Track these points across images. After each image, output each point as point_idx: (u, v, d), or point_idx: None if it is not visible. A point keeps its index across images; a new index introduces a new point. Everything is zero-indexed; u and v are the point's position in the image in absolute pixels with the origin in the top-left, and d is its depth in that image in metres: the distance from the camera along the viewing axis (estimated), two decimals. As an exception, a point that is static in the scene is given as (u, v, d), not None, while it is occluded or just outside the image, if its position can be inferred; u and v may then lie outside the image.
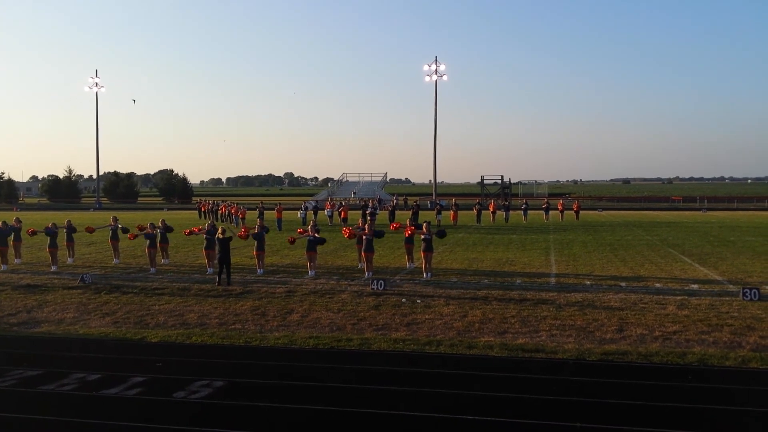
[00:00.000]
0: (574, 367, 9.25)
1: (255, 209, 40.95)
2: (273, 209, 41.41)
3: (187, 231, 21.16)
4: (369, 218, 33.40)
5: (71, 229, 21.78)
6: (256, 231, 18.97)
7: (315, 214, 41.81)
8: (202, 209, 48.50)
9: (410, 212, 37.33)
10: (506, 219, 41.28)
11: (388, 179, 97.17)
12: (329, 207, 42.53)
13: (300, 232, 20.16)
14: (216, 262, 17.36)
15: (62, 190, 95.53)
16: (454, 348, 10.22)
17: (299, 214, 42.11)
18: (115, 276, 18.48)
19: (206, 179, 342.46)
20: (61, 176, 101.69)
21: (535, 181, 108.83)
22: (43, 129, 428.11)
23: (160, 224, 20.56)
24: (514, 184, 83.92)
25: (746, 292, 14.14)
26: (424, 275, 17.55)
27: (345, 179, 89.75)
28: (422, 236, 17.82)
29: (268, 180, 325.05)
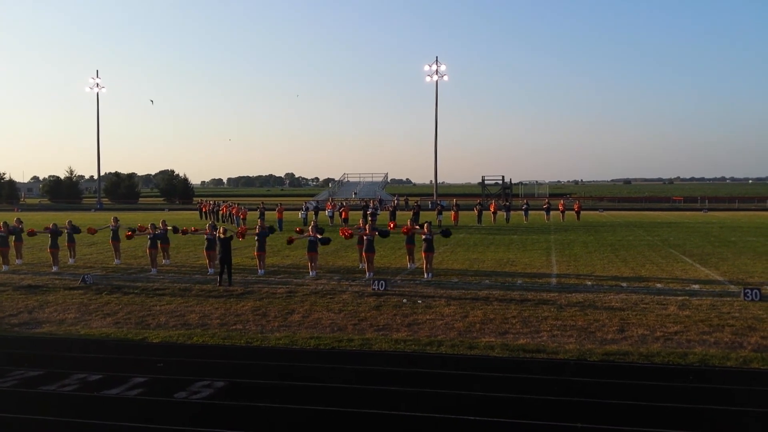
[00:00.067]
0: (575, 367, 9.25)
1: (256, 210, 40.98)
2: (274, 210, 41.42)
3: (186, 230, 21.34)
4: (370, 218, 33.41)
5: (74, 230, 21.83)
6: (256, 231, 18.95)
7: (316, 214, 41.82)
8: (203, 210, 48.52)
9: (411, 213, 37.35)
10: (507, 219, 41.26)
11: (388, 180, 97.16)
12: (330, 207, 42.53)
13: (297, 231, 20.18)
14: (217, 262, 17.37)
15: (63, 191, 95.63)
16: (455, 348, 10.22)
17: (300, 214, 42.15)
18: (117, 276, 18.49)
19: (207, 180, 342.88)
20: (62, 177, 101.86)
21: (536, 182, 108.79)
22: (44, 129, 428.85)
23: (160, 225, 20.56)
24: (515, 184, 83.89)
25: (747, 292, 14.13)
26: (425, 276, 17.55)
27: (346, 180, 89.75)
28: (423, 237, 17.81)
29: (269, 180, 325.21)
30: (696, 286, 16.02)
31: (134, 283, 17.25)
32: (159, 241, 20.14)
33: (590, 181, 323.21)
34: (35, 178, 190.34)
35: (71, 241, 21.71)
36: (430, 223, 18.52)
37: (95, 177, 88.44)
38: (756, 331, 11.22)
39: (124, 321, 12.57)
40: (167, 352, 10.34)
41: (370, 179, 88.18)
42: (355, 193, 77.47)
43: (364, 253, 18.47)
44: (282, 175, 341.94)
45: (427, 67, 69.93)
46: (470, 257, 22.31)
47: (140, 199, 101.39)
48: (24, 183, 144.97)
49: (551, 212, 43.52)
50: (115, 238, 21.69)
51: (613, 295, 14.83)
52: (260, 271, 18.52)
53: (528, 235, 31.33)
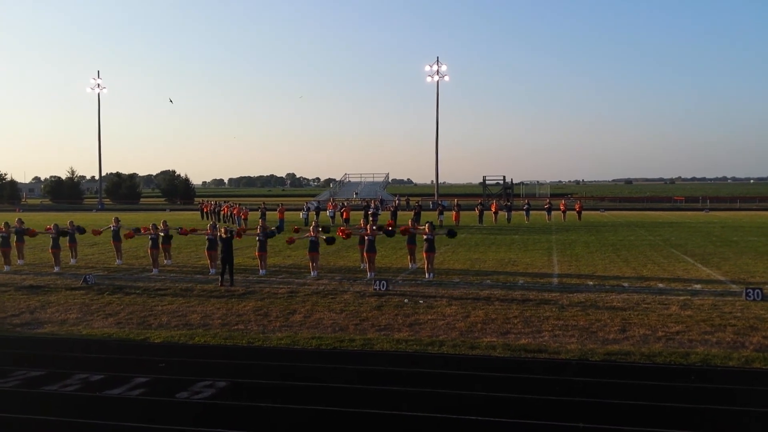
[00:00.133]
0: (576, 367, 9.24)
1: (257, 210, 40.99)
2: (275, 210, 41.45)
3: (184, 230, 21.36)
4: (371, 219, 33.41)
5: (79, 230, 21.92)
6: (257, 232, 18.95)
7: (317, 214, 41.83)
8: (205, 210, 48.55)
9: (412, 213, 37.34)
10: (508, 219, 41.24)
11: (390, 180, 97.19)
12: (331, 207, 42.55)
13: (295, 230, 20.19)
14: (218, 262, 17.39)
15: (65, 191, 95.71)
16: (456, 348, 10.21)
17: (301, 214, 42.19)
18: (118, 277, 18.51)
19: (208, 180, 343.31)
20: (63, 177, 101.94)
21: (537, 182, 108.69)
22: (46, 130, 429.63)
23: (161, 225, 20.58)
24: (516, 184, 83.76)
25: (749, 292, 14.11)
26: (427, 276, 17.55)
27: (347, 180, 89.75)
28: (424, 237, 17.81)
29: (270, 180, 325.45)
30: (698, 286, 16.01)
31: (136, 283, 17.26)
32: (160, 242, 20.15)
33: (591, 181, 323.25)
34: (36, 179, 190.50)
35: (73, 242, 21.74)
36: (431, 223, 18.52)
37: (96, 177, 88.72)
38: (758, 330, 11.20)
39: (125, 321, 12.58)
40: (169, 352, 10.34)
41: (371, 179, 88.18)
42: (357, 193, 77.48)
43: (365, 254, 18.48)
44: (283, 175, 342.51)
45: (428, 68, 69.97)
46: (472, 257, 22.31)
47: (141, 199, 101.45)
48: (25, 183, 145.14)
49: (552, 212, 43.49)
50: (117, 239, 21.72)
51: (615, 295, 14.82)
52: (262, 272, 18.53)
53: (529, 235, 31.31)
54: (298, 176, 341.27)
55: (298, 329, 11.69)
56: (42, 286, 16.92)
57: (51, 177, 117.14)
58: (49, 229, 20.74)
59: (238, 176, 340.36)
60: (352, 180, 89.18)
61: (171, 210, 69.80)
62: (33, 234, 21.76)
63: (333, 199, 52.11)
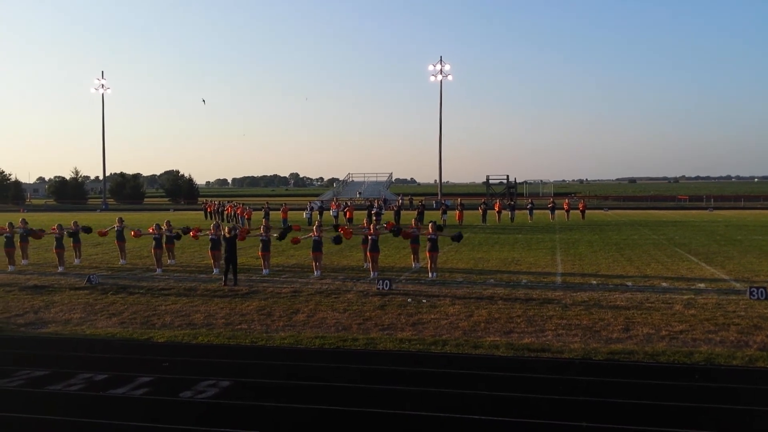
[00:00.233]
0: (580, 366, 9.23)
1: (261, 210, 41.03)
2: (279, 209, 41.48)
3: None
4: (374, 218, 33.41)
5: (85, 230, 22.05)
6: (261, 232, 18.96)
7: (320, 214, 41.84)
8: (208, 210, 48.63)
9: (415, 212, 37.33)
10: (512, 219, 41.19)
11: (393, 179, 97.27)
12: (334, 207, 42.53)
13: (296, 229, 20.29)
14: (222, 262, 17.42)
15: (69, 191, 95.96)
16: (459, 348, 10.21)
17: (305, 214, 42.20)
18: (122, 276, 18.55)
19: (212, 180, 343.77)
20: (67, 177, 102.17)
21: (541, 181, 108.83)
22: (50, 130, 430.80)
23: (165, 226, 20.62)
24: (519, 183, 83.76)
25: (753, 291, 14.07)
26: (430, 275, 17.54)
27: (350, 179, 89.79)
28: (428, 236, 17.81)
29: (274, 180, 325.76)
30: (701, 285, 15.97)
31: (139, 283, 17.30)
32: (164, 242, 20.19)
33: (595, 180, 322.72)
34: (41, 179, 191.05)
35: (77, 242, 21.81)
36: (434, 223, 18.52)
37: (101, 177, 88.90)
38: (762, 329, 11.17)
39: (129, 321, 12.61)
40: (172, 351, 10.37)
41: (374, 179, 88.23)
42: (360, 193, 77.51)
43: (368, 253, 18.49)
44: (287, 175, 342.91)
45: (431, 67, 69.89)
46: (475, 256, 22.29)
47: (145, 199, 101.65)
48: (30, 184, 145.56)
49: (556, 211, 43.44)
50: (121, 239, 21.77)
51: (618, 294, 14.80)
52: (265, 271, 18.55)
53: (533, 235, 31.28)
54: (301, 176, 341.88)
55: (301, 329, 11.70)
56: (46, 286, 16.97)
57: (55, 177, 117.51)
58: (54, 230, 20.80)
59: (242, 176, 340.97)
60: (355, 180, 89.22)
61: (175, 210, 69.89)
62: (40, 236, 21.83)
63: (336, 199, 52.12)
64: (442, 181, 76.15)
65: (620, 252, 23.24)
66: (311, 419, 7.32)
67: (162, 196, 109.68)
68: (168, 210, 69.48)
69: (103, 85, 78.93)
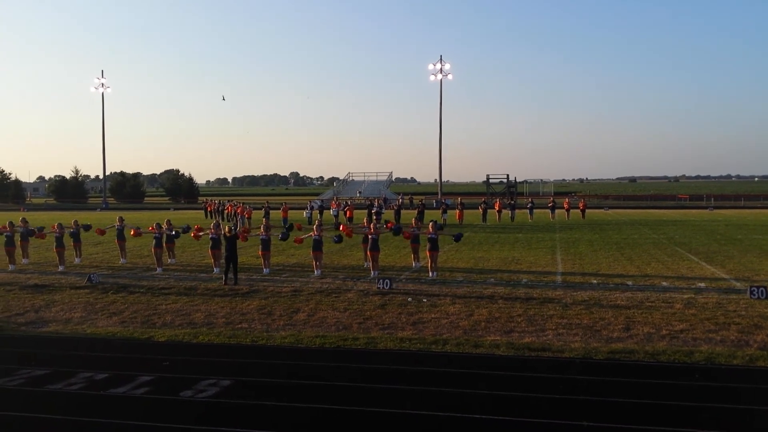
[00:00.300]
0: (580, 365, 9.24)
1: (261, 209, 41.03)
2: (279, 209, 41.48)
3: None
4: (374, 217, 33.41)
5: (85, 227, 22.12)
6: (261, 232, 18.97)
7: (321, 213, 41.83)
8: (208, 209, 48.63)
9: (416, 211, 37.33)
10: (512, 218, 41.18)
11: (393, 178, 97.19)
12: (335, 206, 42.52)
13: (298, 228, 20.35)
14: (222, 261, 17.42)
15: (69, 191, 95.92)
16: (460, 347, 10.21)
17: (305, 213, 42.18)
18: (122, 276, 18.55)
19: (212, 179, 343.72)
20: (67, 176, 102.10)
21: (541, 180, 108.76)
22: (50, 129, 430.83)
23: (165, 225, 20.62)
24: (519, 182, 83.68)
25: (753, 290, 14.07)
26: (430, 274, 17.54)
27: (350, 178, 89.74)
28: (428, 235, 17.81)
29: (274, 179, 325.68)
30: (702, 284, 15.97)
31: (140, 282, 17.30)
32: (164, 241, 20.19)
33: (595, 180, 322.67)
34: (41, 178, 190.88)
35: (77, 241, 21.81)
36: (435, 222, 18.52)
37: (101, 177, 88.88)
38: (762, 329, 11.17)
39: (129, 320, 12.61)
40: (173, 350, 10.37)
41: (374, 178, 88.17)
42: (360, 192, 77.50)
43: (368, 252, 18.49)
44: (287, 174, 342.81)
45: (431, 66, 69.83)
46: (475, 256, 22.29)
47: (145, 198, 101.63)
48: (30, 183, 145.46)
49: (556, 211, 43.43)
50: (121, 238, 21.79)
51: (619, 293, 14.80)
52: (265, 270, 18.55)
53: (533, 234, 31.28)
54: (301, 175, 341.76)
55: (301, 328, 11.71)
56: (47, 285, 16.98)
57: (55, 176, 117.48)
58: (54, 228, 20.81)
59: (242, 175, 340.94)
60: (355, 179, 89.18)
61: (175, 209, 69.88)
62: (43, 236, 21.87)
63: (336, 198, 52.13)
64: (443, 180, 76.15)
65: (620, 251, 23.23)
66: (312, 418, 7.33)
67: (162, 196, 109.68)
68: (168, 209, 69.45)
69: (103, 84, 78.91)
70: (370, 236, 18.26)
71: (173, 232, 20.69)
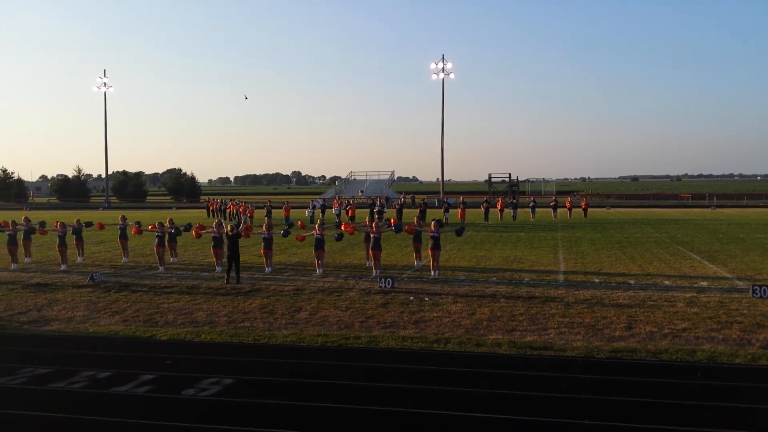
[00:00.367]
0: (582, 364, 9.23)
1: (263, 208, 41.06)
2: (281, 208, 41.52)
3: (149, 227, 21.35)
4: (376, 216, 33.42)
5: (87, 224, 22.24)
6: (263, 231, 18.99)
7: (323, 212, 41.86)
8: (211, 208, 48.65)
9: (418, 210, 37.32)
10: (514, 217, 41.16)
11: (395, 177, 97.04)
12: (337, 205, 42.54)
13: (301, 226, 20.40)
14: (225, 260, 17.44)
15: (71, 190, 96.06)
16: (462, 346, 10.22)
17: (307, 212, 42.19)
18: (125, 274, 18.58)
19: (214, 178, 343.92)
20: (70, 175, 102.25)
21: (543, 179, 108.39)
22: (52, 129, 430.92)
23: (167, 223, 20.64)
24: (521, 181, 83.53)
25: (756, 289, 14.05)
26: (432, 273, 17.54)
27: (352, 177, 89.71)
28: (430, 234, 17.81)
29: (276, 179, 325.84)
30: (704, 283, 15.95)
31: (142, 281, 17.33)
32: (167, 240, 20.21)
33: (597, 179, 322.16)
34: (44, 177, 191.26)
35: (80, 240, 21.84)
36: (437, 220, 18.52)
37: (103, 176, 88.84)
38: (764, 328, 11.16)
39: (132, 319, 12.63)
40: (175, 349, 10.38)
41: (376, 177, 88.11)
42: (362, 191, 77.47)
43: (370, 251, 18.50)
44: (289, 173, 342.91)
45: (433, 65, 69.72)
46: (477, 255, 22.29)
47: (148, 197, 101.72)
48: (32, 182, 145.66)
49: (558, 209, 43.39)
50: (123, 237, 21.83)
51: (621, 292, 14.79)
52: (267, 269, 18.56)
53: (535, 233, 31.27)
54: (303, 174, 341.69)
55: (303, 327, 11.72)
56: (49, 283, 17.01)
57: (58, 175, 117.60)
58: (56, 226, 20.86)
59: (244, 174, 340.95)
60: (357, 178, 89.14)
61: (177, 208, 69.94)
62: (44, 232, 21.98)
63: (339, 197, 52.16)
64: (445, 179, 76.07)
65: (623, 250, 23.21)
66: (314, 417, 7.33)
67: (164, 195, 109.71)
68: (170, 208, 69.53)
69: (105, 84, 78.90)
70: (372, 235, 18.27)
71: (173, 230, 20.70)
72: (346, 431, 6.99)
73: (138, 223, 22.28)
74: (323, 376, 8.82)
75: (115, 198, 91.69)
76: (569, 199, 47.71)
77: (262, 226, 19.55)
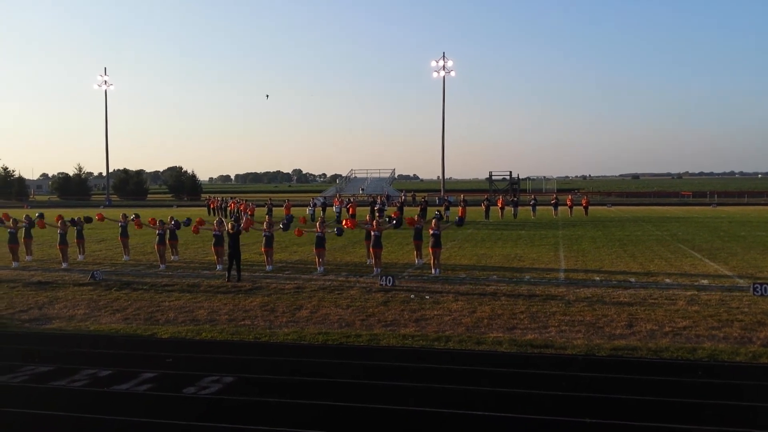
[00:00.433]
0: (583, 362, 9.23)
1: (264, 206, 41.07)
2: (282, 206, 41.52)
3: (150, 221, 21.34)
4: (377, 214, 33.42)
5: (87, 220, 22.25)
6: (264, 228, 19.00)
7: (324, 210, 41.85)
8: (211, 206, 48.67)
9: (418, 208, 37.31)
10: (515, 215, 41.17)
11: (396, 175, 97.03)
12: (338, 203, 42.52)
13: (302, 222, 20.54)
14: (226, 258, 17.45)
15: (72, 188, 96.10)
16: (462, 344, 10.22)
17: (308, 210, 42.18)
18: (125, 272, 18.59)
19: (215, 176, 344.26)
20: (71, 173, 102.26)
21: (544, 177, 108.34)
22: (53, 127, 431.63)
23: (169, 221, 20.64)
24: (522, 179, 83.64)
25: (757, 287, 14.04)
26: (433, 271, 17.54)
27: (353, 176, 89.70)
28: (431, 232, 17.81)
29: (277, 177, 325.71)
30: (705, 281, 15.94)
31: (143, 279, 17.33)
32: (167, 238, 20.21)
33: (598, 176, 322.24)
34: (44, 175, 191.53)
35: (80, 238, 21.86)
36: (437, 216, 18.52)
37: (104, 174, 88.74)
38: (765, 326, 11.15)
39: (133, 317, 12.64)
40: (176, 347, 10.39)
41: (377, 175, 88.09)
42: (363, 189, 77.46)
43: (371, 249, 18.50)
44: (289, 171, 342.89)
45: (434, 63, 69.60)
46: (478, 253, 22.28)
47: (149, 195, 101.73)
48: (33, 180, 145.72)
49: (559, 207, 43.38)
50: (124, 235, 21.83)
51: (622, 290, 14.78)
52: (268, 267, 18.57)
53: (536, 231, 31.25)
54: (304, 172, 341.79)
55: (304, 325, 11.72)
56: (50, 282, 17.02)
57: (59, 174, 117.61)
58: (57, 222, 20.89)
59: (245, 172, 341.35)
60: (358, 176, 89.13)
61: (178, 206, 69.96)
62: (42, 225, 22.05)
63: (339, 195, 52.14)
64: (445, 177, 76.03)
65: (623, 248, 23.20)
66: (314, 415, 7.33)
67: (165, 193, 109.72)
68: (171, 206, 69.52)
69: (106, 82, 78.84)
70: (372, 233, 18.27)
71: (174, 223, 20.69)
72: (347, 430, 6.99)
73: (137, 215, 22.41)
74: (324, 374, 8.82)
75: (116, 196, 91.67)
76: (570, 197, 47.67)
77: (263, 224, 19.56)
